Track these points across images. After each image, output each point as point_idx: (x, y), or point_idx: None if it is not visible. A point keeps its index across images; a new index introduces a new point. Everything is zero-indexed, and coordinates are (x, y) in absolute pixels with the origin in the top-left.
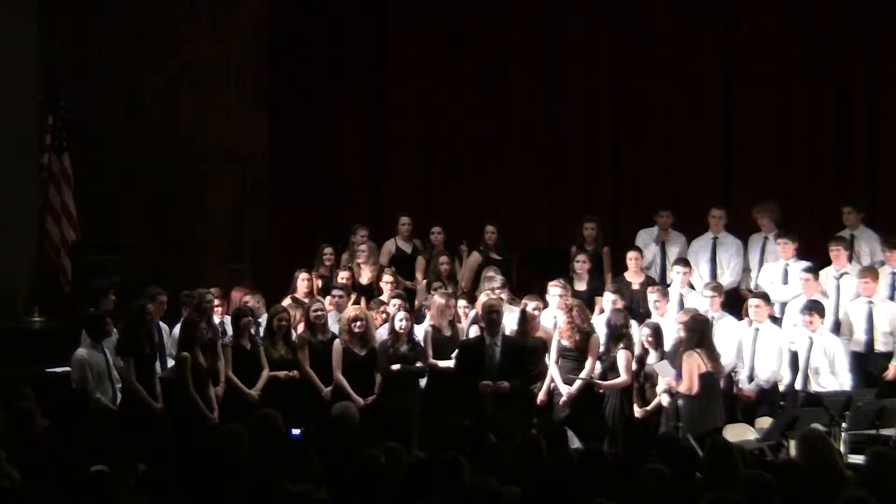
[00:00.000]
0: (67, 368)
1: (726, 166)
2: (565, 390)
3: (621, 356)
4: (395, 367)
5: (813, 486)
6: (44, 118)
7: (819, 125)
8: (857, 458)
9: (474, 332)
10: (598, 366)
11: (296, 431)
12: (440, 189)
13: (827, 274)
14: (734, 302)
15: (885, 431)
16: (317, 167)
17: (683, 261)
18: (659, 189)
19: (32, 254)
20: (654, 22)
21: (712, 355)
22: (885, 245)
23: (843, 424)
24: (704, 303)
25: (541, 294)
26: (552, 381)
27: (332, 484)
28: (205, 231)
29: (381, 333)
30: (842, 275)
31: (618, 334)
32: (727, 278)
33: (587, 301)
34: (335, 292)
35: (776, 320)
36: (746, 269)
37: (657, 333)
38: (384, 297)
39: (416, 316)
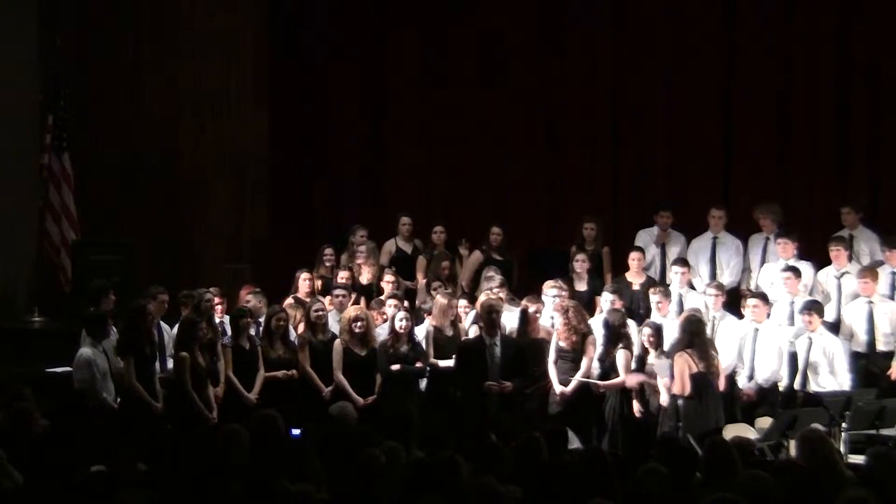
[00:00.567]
0: (67, 368)
1: (726, 166)
2: (559, 390)
3: (620, 356)
4: (395, 367)
5: (813, 486)
6: (44, 118)
7: (819, 125)
8: (857, 458)
9: (474, 332)
10: (598, 366)
11: (296, 431)
12: (440, 189)
13: (828, 274)
14: (734, 302)
15: (885, 431)
16: (317, 167)
17: (682, 261)
18: (659, 189)
19: (32, 254)
20: (654, 22)
21: (704, 355)
22: (884, 244)
23: (843, 424)
24: (706, 302)
25: (539, 294)
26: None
27: (332, 484)
28: (205, 231)
29: (381, 333)
30: (842, 274)
31: (616, 334)
32: (727, 278)
33: (587, 301)
34: (336, 292)
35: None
36: (746, 269)
37: (658, 333)
38: (385, 298)
39: (416, 316)
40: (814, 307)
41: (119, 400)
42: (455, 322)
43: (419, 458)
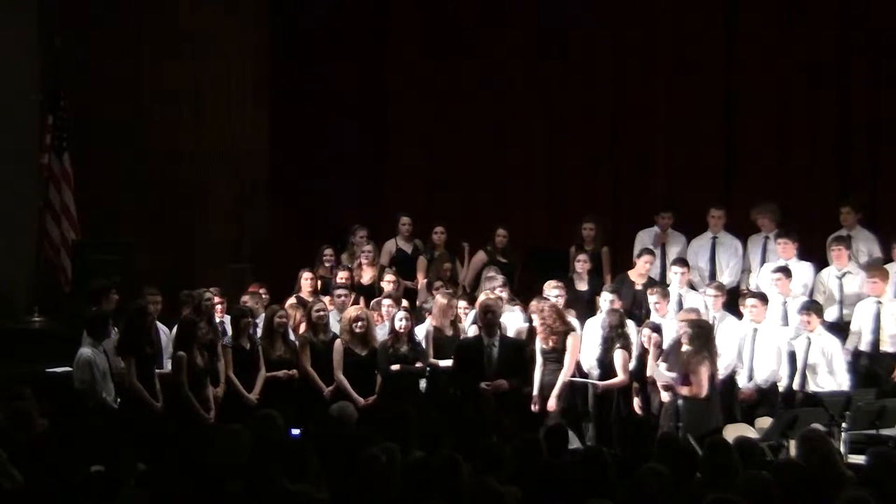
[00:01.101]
0: (67, 368)
1: (726, 166)
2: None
3: (618, 356)
4: (396, 367)
5: (813, 486)
6: (44, 118)
7: (819, 125)
8: (857, 458)
9: (473, 332)
10: (597, 366)
11: (296, 431)
12: (440, 189)
13: (829, 273)
14: (734, 302)
15: (885, 431)
16: (317, 167)
17: (682, 261)
18: (659, 189)
19: (32, 254)
20: (655, 22)
21: (713, 358)
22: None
23: (843, 424)
24: (706, 302)
25: (541, 295)
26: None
27: (332, 484)
28: (205, 231)
29: (380, 333)
30: (844, 274)
31: (614, 335)
32: (727, 278)
33: (588, 301)
34: (337, 292)
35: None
36: (746, 270)
37: (657, 334)
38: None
39: (416, 316)
40: (812, 307)
41: (119, 400)
42: (455, 322)
43: (419, 458)
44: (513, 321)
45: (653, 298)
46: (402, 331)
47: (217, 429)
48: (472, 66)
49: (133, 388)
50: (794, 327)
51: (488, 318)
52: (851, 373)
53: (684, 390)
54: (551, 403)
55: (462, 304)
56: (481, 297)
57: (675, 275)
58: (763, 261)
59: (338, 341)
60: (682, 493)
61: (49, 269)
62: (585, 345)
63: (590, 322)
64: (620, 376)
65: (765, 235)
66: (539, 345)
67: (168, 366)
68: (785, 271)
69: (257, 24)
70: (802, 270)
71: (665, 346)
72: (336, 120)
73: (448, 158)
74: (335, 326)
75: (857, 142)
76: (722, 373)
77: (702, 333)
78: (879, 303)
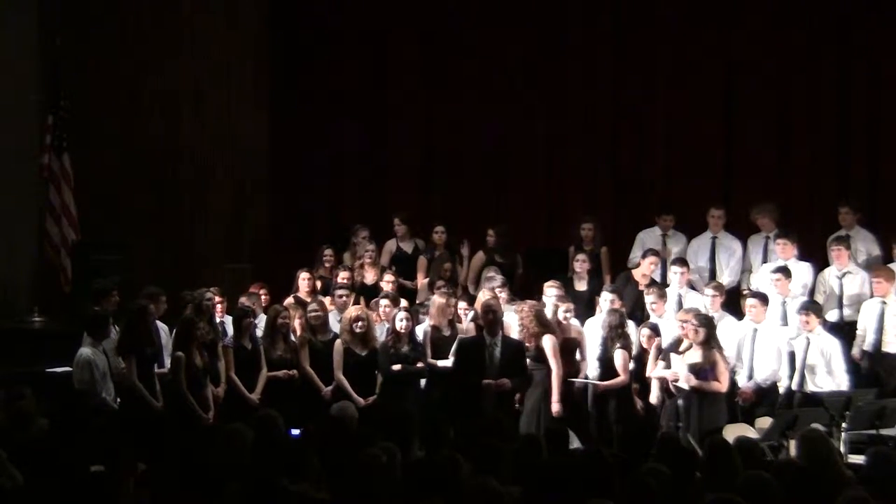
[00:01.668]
0: (67, 368)
1: (726, 166)
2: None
3: (618, 356)
4: (396, 367)
5: (813, 486)
6: (44, 118)
7: (819, 125)
8: (857, 458)
9: (471, 332)
10: (597, 366)
11: (296, 431)
12: (440, 189)
13: (829, 273)
14: (734, 302)
15: (885, 431)
16: (317, 167)
17: (681, 260)
18: (659, 189)
19: (32, 254)
20: (654, 22)
21: (722, 353)
22: (893, 242)
23: (843, 424)
24: (705, 302)
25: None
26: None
27: (332, 484)
28: (205, 231)
29: (379, 333)
30: (844, 274)
31: (614, 334)
32: (726, 278)
33: (588, 301)
34: (338, 292)
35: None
36: (746, 270)
37: (656, 334)
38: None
39: (416, 316)
40: (811, 307)
41: (119, 400)
42: (453, 322)
43: (419, 458)
44: (513, 321)
45: (650, 298)
46: (403, 331)
47: (217, 429)
48: (472, 66)
49: (133, 388)
50: (795, 327)
51: (489, 318)
52: (850, 373)
53: (713, 385)
54: (555, 408)
55: (462, 305)
56: (482, 297)
57: (674, 275)
58: (764, 261)
59: (338, 341)
60: (682, 493)
61: (49, 269)
62: (586, 344)
63: (590, 322)
64: (621, 376)
65: (765, 235)
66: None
67: (168, 365)
68: (784, 271)
69: (257, 24)
70: (802, 270)
71: (665, 345)
72: (336, 120)
73: (448, 158)
74: (335, 326)
75: (857, 142)
76: None
77: (711, 325)
78: (884, 303)
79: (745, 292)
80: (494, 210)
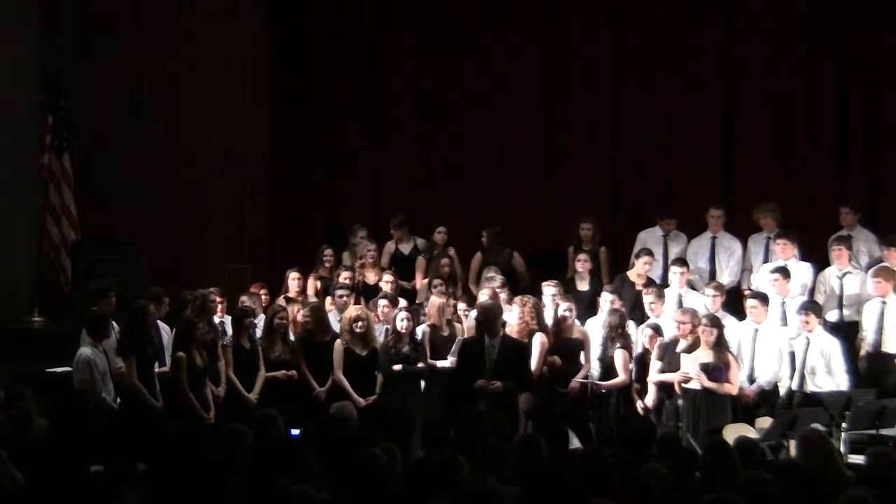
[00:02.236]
0: (67, 368)
1: (726, 166)
2: None
3: (618, 356)
4: (397, 367)
5: (813, 486)
6: (44, 118)
7: (819, 125)
8: (857, 458)
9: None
10: (597, 365)
11: (295, 431)
12: (440, 189)
13: (830, 274)
14: (734, 302)
15: (885, 431)
16: (317, 167)
17: (682, 261)
18: (659, 189)
19: (32, 254)
20: (655, 22)
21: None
22: (882, 243)
23: (843, 424)
24: (705, 303)
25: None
26: None
27: (332, 484)
28: (205, 231)
29: (378, 333)
30: (844, 274)
31: (614, 334)
32: (726, 278)
33: (590, 301)
34: (338, 292)
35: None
36: (746, 270)
37: (658, 334)
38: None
39: (416, 316)
40: (811, 307)
41: (119, 400)
42: (451, 322)
43: (419, 458)
44: (512, 321)
45: (648, 299)
46: (403, 331)
47: (217, 429)
48: (472, 66)
49: (133, 388)
50: (795, 327)
51: (480, 318)
52: (850, 373)
53: (725, 387)
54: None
55: (461, 306)
56: (481, 298)
57: (674, 275)
58: (765, 261)
59: (338, 341)
60: (682, 493)
61: (49, 269)
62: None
63: (591, 322)
64: (621, 376)
65: (766, 235)
66: None
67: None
68: (783, 272)
69: (257, 24)
70: (802, 271)
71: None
72: (336, 120)
73: (448, 158)
74: (335, 326)
75: (857, 142)
76: None
77: (721, 326)
78: (884, 302)
79: (745, 292)
80: (494, 210)
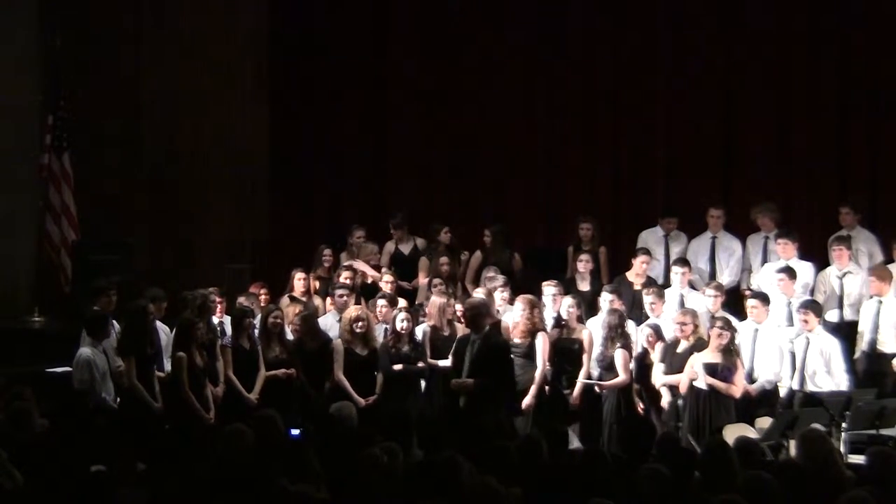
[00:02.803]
0: (67, 368)
1: (726, 166)
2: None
3: (618, 356)
4: (397, 367)
5: (813, 486)
6: (44, 118)
7: (819, 125)
8: (857, 458)
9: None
10: (596, 366)
11: (295, 431)
12: (440, 189)
13: (830, 273)
14: (734, 302)
15: (885, 431)
16: (317, 167)
17: (683, 260)
18: (659, 189)
19: (32, 254)
20: (654, 22)
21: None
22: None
23: (843, 424)
24: (706, 303)
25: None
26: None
27: (332, 484)
28: (205, 231)
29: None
30: (844, 274)
31: (614, 334)
32: (726, 278)
33: (591, 301)
34: (338, 292)
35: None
36: (746, 270)
37: (658, 334)
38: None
39: (416, 316)
40: (811, 307)
41: (119, 400)
42: (452, 322)
43: (419, 458)
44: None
45: (648, 298)
46: (402, 331)
47: (217, 429)
48: (473, 66)
49: (133, 389)
50: (797, 327)
51: (466, 315)
52: (850, 373)
53: (731, 388)
54: (526, 402)
55: (460, 306)
56: (475, 295)
57: (675, 275)
58: (764, 261)
59: (338, 341)
60: (682, 493)
61: (49, 269)
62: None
63: (591, 322)
64: (621, 376)
65: (765, 235)
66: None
67: (168, 366)
68: (788, 272)
69: (257, 23)
70: (803, 270)
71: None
72: (336, 120)
73: (448, 159)
74: (335, 326)
75: (857, 142)
76: None
77: (734, 329)
78: (880, 302)
79: (745, 292)
80: (494, 210)
